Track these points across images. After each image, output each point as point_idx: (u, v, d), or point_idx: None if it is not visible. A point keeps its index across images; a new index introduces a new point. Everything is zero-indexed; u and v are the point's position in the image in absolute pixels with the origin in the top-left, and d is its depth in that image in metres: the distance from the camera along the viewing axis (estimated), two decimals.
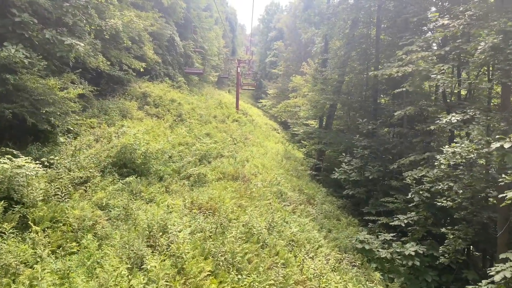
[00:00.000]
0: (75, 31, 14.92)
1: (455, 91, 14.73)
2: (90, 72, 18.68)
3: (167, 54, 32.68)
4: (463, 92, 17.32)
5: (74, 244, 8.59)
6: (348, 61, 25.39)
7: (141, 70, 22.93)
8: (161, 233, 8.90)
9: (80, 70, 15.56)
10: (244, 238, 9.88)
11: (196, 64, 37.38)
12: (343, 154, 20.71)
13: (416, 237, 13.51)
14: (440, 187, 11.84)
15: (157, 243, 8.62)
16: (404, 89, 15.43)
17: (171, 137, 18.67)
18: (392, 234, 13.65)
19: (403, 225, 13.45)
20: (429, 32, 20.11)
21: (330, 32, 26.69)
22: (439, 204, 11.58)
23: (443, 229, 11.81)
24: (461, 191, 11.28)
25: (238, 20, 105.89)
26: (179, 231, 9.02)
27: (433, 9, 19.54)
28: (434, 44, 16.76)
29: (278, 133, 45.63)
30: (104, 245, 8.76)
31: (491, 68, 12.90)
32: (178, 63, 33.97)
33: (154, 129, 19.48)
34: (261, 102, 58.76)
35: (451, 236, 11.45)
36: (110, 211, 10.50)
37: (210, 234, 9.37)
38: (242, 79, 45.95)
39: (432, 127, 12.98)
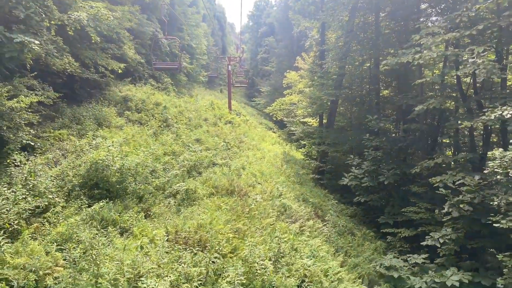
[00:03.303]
0: (30, 26, 12.46)
1: (495, 78, 12.30)
2: (60, 75, 16.22)
3: (151, 53, 30.21)
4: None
5: None
6: (349, 52, 23.04)
7: (119, 71, 20.50)
8: None
9: (36, 73, 13.05)
10: (244, 282, 7.54)
11: (184, 63, 34.83)
12: (351, 156, 18.37)
13: (452, 259, 11.19)
14: (495, 202, 9.48)
15: None
16: (426, 79, 13.13)
17: (155, 146, 16.25)
18: (423, 256, 11.32)
19: (439, 245, 11.13)
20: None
21: (329, 20, 24.29)
22: (497, 226, 9.22)
23: (500, 256, 9.49)
24: None
25: (227, 19, 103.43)
26: (156, 285, 6.64)
27: None
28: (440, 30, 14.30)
29: (274, 132, 43.40)
30: None
31: None
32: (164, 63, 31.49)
33: (135, 137, 17.06)
34: (255, 101, 56.56)
35: (510, 265, 9.15)
36: (71, 251, 8.12)
37: (198, 284, 7.00)
38: (233, 77, 43.40)
39: (467, 124, 10.66)
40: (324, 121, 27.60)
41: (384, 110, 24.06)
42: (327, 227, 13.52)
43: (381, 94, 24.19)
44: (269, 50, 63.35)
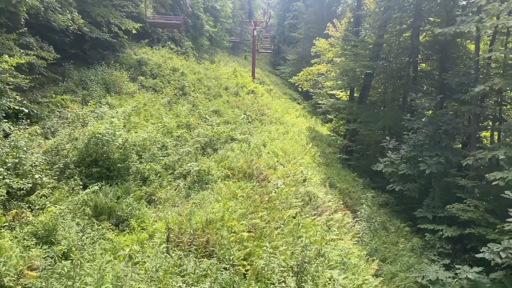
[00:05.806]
0: None
1: None
2: (67, 34, 14.56)
3: (172, 14, 28.19)
4: None
5: None
6: (389, 19, 20.47)
7: (134, 32, 18.71)
8: None
9: (26, 29, 11.37)
10: None
11: (207, 26, 32.60)
12: (386, 137, 16.25)
13: None
14: None
15: None
16: (496, 53, 10.86)
17: (168, 118, 14.62)
18: (477, 270, 9.47)
19: (499, 260, 9.24)
20: None
21: None
22: None
23: None
24: None
25: None
26: None
27: None
28: None
29: (299, 103, 41.15)
30: None
31: None
32: (185, 25, 29.37)
33: (147, 106, 15.47)
34: (279, 69, 53.99)
35: None
36: (51, 250, 6.69)
37: None
38: (258, 43, 40.82)
39: None
40: (355, 95, 25.32)
41: (421, 85, 21.74)
42: (359, 224, 11.73)
43: (418, 68, 21.81)
44: (298, 16, 59.82)
